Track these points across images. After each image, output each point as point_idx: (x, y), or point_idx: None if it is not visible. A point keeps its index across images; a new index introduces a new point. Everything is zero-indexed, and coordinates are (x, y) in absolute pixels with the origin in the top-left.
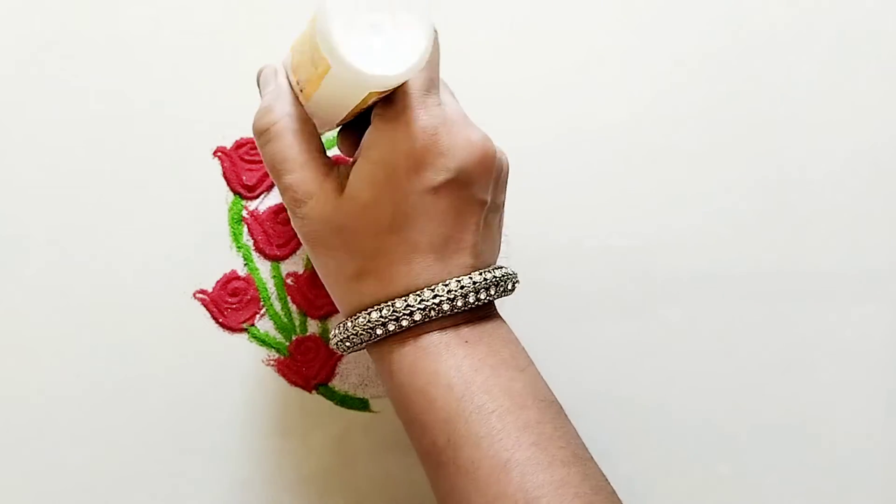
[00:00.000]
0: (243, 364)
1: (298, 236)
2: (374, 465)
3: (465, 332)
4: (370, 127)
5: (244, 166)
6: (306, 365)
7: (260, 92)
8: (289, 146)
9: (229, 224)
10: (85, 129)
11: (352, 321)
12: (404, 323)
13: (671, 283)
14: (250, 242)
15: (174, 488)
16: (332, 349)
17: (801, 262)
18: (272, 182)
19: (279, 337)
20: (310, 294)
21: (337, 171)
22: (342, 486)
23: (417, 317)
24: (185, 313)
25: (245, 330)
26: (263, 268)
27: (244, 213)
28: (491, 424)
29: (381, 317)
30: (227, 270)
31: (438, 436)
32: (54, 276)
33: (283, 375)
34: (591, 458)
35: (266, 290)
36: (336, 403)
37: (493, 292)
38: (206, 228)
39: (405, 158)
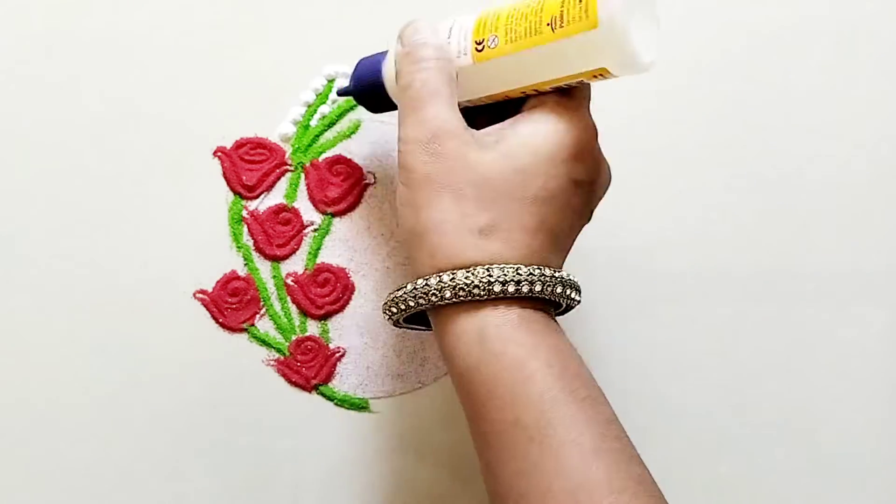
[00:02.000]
0: (243, 364)
1: (411, 176)
2: (373, 466)
3: (554, 323)
4: (543, 106)
5: (244, 166)
6: (306, 365)
7: (404, 38)
8: (444, 83)
9: (229, 224)
10: (85, 130)
11: (469, 272)
12: (524, 289)
13: (671, 283)
14: (250, 242)
15: (174, 488)
16: (394, 309)
17: (800, 263)
18: (272, 182)
19: (279, 337)
20: (310, 294)
21: (471, 129)
22: (342, 486)
23: (538, 288)
24: (185, 313)
25: (245, 330)
26: (263, 268)
27: (244, 213)
28: (585, 410)
29: (503, 275)
30: (227, 270)
31: (528, 412)
32: (54, 276)
33: (283, 375)
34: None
35: (266, 290)
36: (336, 404)
37: (577, 298)
38: (206, 228)
39: (571, 145)
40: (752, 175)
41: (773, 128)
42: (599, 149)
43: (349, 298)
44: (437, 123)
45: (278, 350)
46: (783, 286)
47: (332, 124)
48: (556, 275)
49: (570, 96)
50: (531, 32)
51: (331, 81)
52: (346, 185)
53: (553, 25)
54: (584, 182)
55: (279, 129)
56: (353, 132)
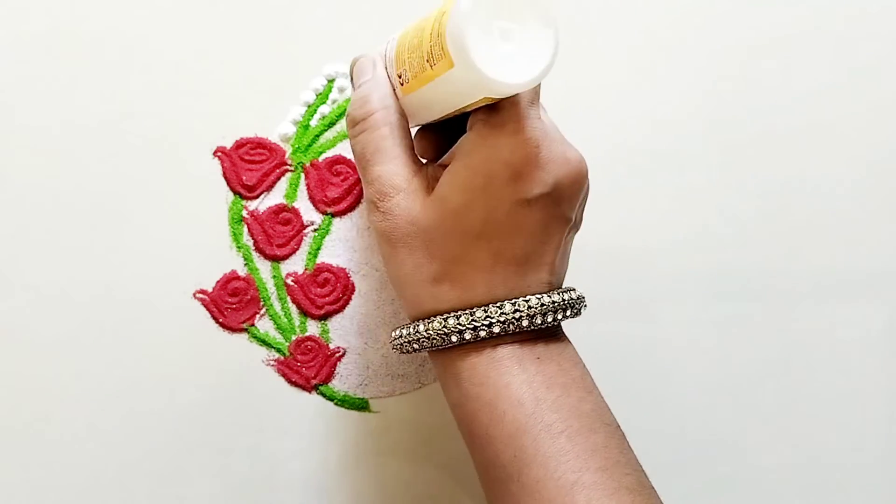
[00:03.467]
0: (243, 364)
1: (374, 231)
2: (373, 466)
3: (539, 348)
4: (470, 132)
5: (244, 166)
6: (306, 365)
7: (352, 81)
8: (383, 137)
9: (229, 224)
10: (85, 129)
11: (425, 324)
12: (482, 334)
13: (671, 283)
14: (250, 242)
15: (174, 488)
16: (394, 349)
17: (800, 263)
18: (272, 182)
19: (279, 337)
20: (310, 294)
21: (425, 171)
22: (342, 486)
23: (496, 329)
24: (185, 313)
25: (245, 330)
26: (263, 268)
27: (244, 213)
28: (559, 445)
29: (458, 324)
30: (227, 270)
31: (503, 451)
32: (54, 275)
33: (283, 375)
34: (653, 487)
35: (266, 290)
36: (336, 404)
37: (568, 314)
38: (206, 228)
39: (505, 167)
40: (752, 175)
41: (773, 128)
42: (554, 151)
43: (349, 298)
44: (380, 183)
45: (278, 350)
46: (783, 286)
47: (332, 124)
48: (521, 308)
49: (497, 111)
50: (420, 69)
51: (331, 81)
52: (346, 185)
53: (431, 63)
54: (538, 196)
55: (279, 129)
56: None
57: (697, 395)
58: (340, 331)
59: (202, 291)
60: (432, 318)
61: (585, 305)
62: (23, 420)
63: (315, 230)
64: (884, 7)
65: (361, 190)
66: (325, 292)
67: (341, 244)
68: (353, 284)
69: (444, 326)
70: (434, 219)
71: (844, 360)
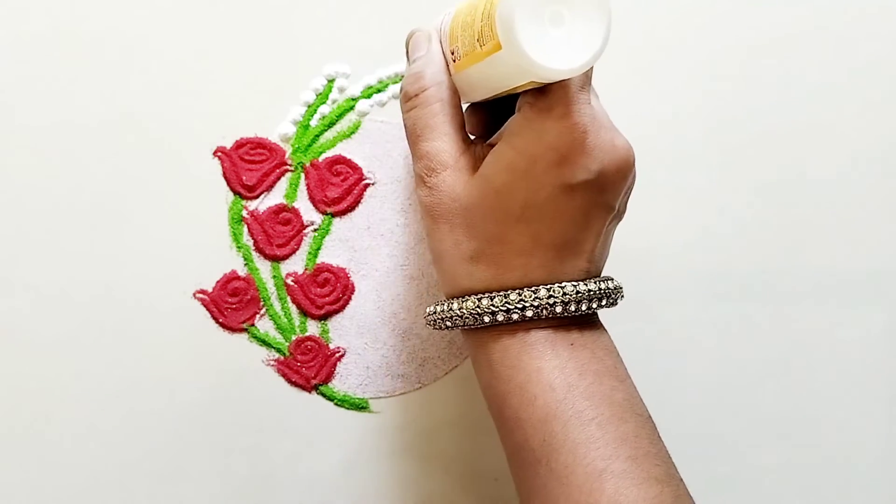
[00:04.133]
0: (243, 364)
1: (419, 206)
2: (373, 466)
3: (573, 334)
4: (517, 114)
5: (244, 166)
6: (306, 365)
7: (408, 55)
8: (434, 114)
9: (229, 224)
10: (85, 129)
11: (459, 303)
12: (514, 317)
13: (671, 283)
14: (250, 242)
15: (173, 488)
16: (427, 324)
17: (800, 263)
18: (272, 182)
19: (279, 337)
20: (310, 294)
21: (473, 149)
22: (342, 486)
23: (529, 313)
24: (185, 313)
25: (245, 330)
26: (263, 268)
27: (244, 213)
28: (590, 432)
29: (491, 305)
30: (227, 270)
31: (533, 435)
32: (54, 275)
33: (283, 375)
34: (682, 479)
35: (266, 290)
36: (336, 404)
37: (603, 303)
38: (206, 228)
39: (549, 151)
40: (752, 175)
41: (773, 128)
42: (602, 138)
43: (349, 298)
44: (428, 159)
45: (278, 350)
46: (783, 286)
47: (332, 124)
48: (556, 294)
49: (545, 94)
50: (471, 48)
51: (331, 81)
52: (346, 185)
53: (480, 43)
54: (582, 183)
55: (279, 129)
56: (353, 132)
57: (697, 395)
58: (340, 331)
59: (202, 291)
60: (466, 297)
61: (622, 296)
62: (23, 420)
63: (315, 230)
64: (883, 7)
65: (361, 190)
66: (325, 292)
67: (341, 244)
68: (353, 284)
69: (478, 306)
70: (476, 197)
71: (844, 360)
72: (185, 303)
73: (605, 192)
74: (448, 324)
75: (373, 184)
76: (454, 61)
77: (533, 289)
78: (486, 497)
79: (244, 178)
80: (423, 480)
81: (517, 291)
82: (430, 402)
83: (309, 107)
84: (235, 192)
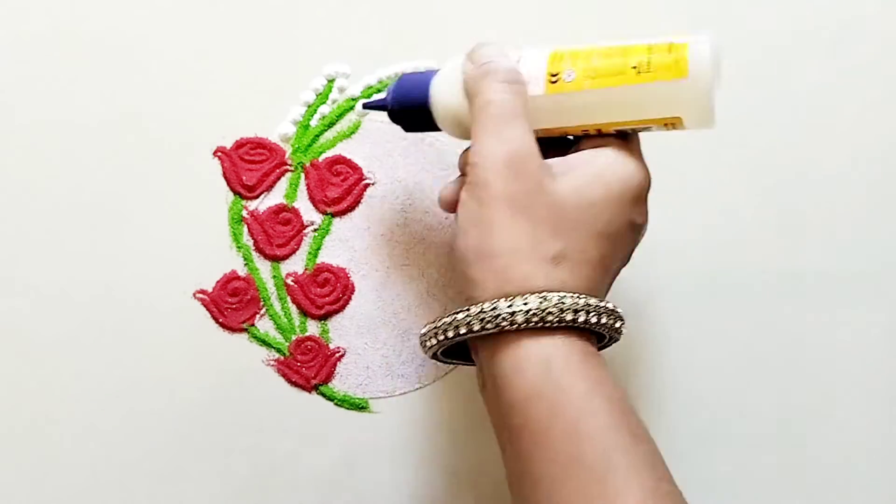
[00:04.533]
0: (243, 364)
1: (484, 192)
2: (373, 466)
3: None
4: (610, 147)
5: (244, 166)
6: (306, 365)
7: (474, 57)
8: (522, 106)
9: (229, 224)
10: (85, 129)
11: (542, 298)
12: (593, 319)
13: (672, 282)
14: (250, 242)
15: (173, 488)
16: (482, 325)
17: (800, 263)
18: (272, 182)
19: (279, 337)
20: (310, 294)
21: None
22: (341, 486)
23: (604, 320)
24: (185, 313)
25: (245, 330)
26: (263, 268)
27: (244, 213)
28: (642, 450)
29: (575, 304)
30: (227, 270)
31: (590, 448)
32: (54, 275)
33: (283, 375)
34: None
35: (266, 290)
36: (336, 404)
37: (623, 330)
38: (206, 228)
39: (635, 189)
40: (752, 175)
41: (774, 128)
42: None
43: (349, 298)
44: (519, 144)
45: (278, 350)
46: (783, 286)
47: (332, 124)
48: (613, 308)
49: (630, 140)
50: (614, 72)
51: (331, 81)
52: (346, 185)
53: (639, 69)
54: (638, 225)
55: (279, 129)
56: (353, 132)
57: (697, 395)
58: (340, 331)
59: (202, 291)
60: (548, 294)
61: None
62: (23, 420)
63: (315, 230)
64: (883, 7)
65: (361, 190)
66: (325, 292)
67: (341, 244)
68: (353, 284)
69: (562, 303)
70: (572, 201)
71: (844, 360)
72: (185, 303)
73: (638, 242)
74: (519, 319)
75: (373, 184)
76: (553, 83)
77: (597, 299)
78: (485, 497)
79: (244, 178)
80: (423, 480)
81: (595, 298)
82: (430, 402)
83: (309, 107)
84: (235, 192)
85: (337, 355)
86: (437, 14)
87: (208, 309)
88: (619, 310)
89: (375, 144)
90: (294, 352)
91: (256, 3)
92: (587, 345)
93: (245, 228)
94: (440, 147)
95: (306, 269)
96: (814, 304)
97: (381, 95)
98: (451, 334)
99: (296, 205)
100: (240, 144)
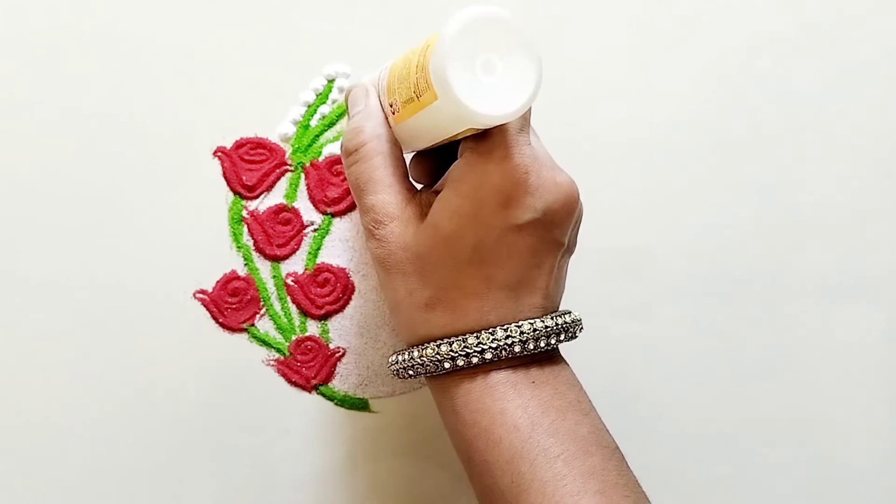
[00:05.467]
0: (243, 364)
1: (371, 258)
2: (373, 466)
3: (533, 372)
4: (460, 159)
5: (244, 166)
6: (306, 365)
7: (348, 111)
8: (376, 167)
9: (229, 224)
10: (85, 129)
11: (419, 350)
12: (474, 360)
13: (671, 283)
14: (250, 242)
15: (174, 488)
16: (393, 374)
17: (800, 263)
18: (272, 182)
19: (279, 337)
20: (310, 294)
21: (419, 198)
22: (342, 486)
23: (488, 355)
24: (185, 313)
25: (245, 330)
26: (263, 268)
27: (244, 213)
28: (556, 469)
29: (451, 350)
30: (227, 270)
31: (501, 477)
32: (54, 275)
33: (283, 375)
34: None
35: (266, 290)
36: (336, 404)
37: (562, 338)
38: (206, 228)
39: (494, 194)
40: (751, 175)
41: (773, 128)
42: (544, 177)
43: (349, 298)
44: (374, 212)
45: (278, 350)
46: (783, 286)
47: (332, 124)
48: (513, 334)
49: (485, 139)
50: (408, 100)
51: (331, 81)
52: (346, 186)
53: (417, 94)
54: (528, 222)
55: (279, 129)
56: None
57: (697, 395)
58: (340, 331)
59: (202, 291)
60: (425, 345)
61: (581, 328)
62: (23, 420)
63: (315, 230)
64: (883, 6)
65: None
66: (325, 292)
67: (341, 244)
68: (353, 284)
69: (437, 353)
70: (426, 245)
71: (844, 360)
72: (185, 303)
73: (553, 228)
74: (411, 372)
75: None
76: (393, 114)
77: (490, 331)
78: None
79: (244, 178)
80: (423, 480)
81: (475, 335)
82: (430, 402)
83: (309, 107)
84: (235, 192)
85: (337, 355)
86: (437, 14)
87: (208, 309)
88: (532, 328)
89: None
90: (294, 352)
91: (256, 4)
92: (493, 375)
93: (245, 228)
94: None
95: (306, 269)
96: (814, 303)
97: None
98: (399, 375)
99: (296, 205)
100: (240, 144)
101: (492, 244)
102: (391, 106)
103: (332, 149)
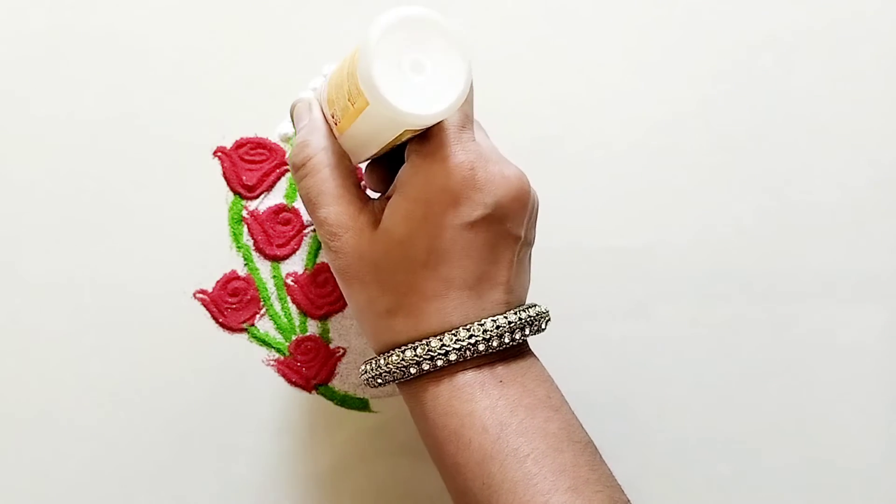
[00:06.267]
0: (243, 364)
1: (332, 270)
2: (373, 465)
3: (500, 370)
4: (406, 163)
5: (244, 166)
6: (306, 365)
7: (294, 126)
8: (324, 180)
9: (229, 224)
10: (85, 129)
11: (384, 358)
12: (439, 363)
13: (671, 283)
14: (250, 242)
15: (173, 488)
16: (364, 384)
17: (800, 263)
18: (272, 182)
19: (279, 337)
20: (310, 294)
21: (372, 205)
22: (342, 486)
23: (453, 357)
24: (185, 313)
25: (245, 330)
26: (263, 268)
27: (244, 213)
28: (526, 468)
29: (415, 356)
30: (227, 270)
31: (472, 479)
32: (54, 276)
33: (283, 375)
34: (628, 500)
35: (266, 290)
36: (336, 403)
37: (527, 332)
38: (206, 228)
39: (442, 194)
40: (751, 175)
41: (773, 128)
42: (491, 171)
43: None
44: (328, 225)
45: (278, 350)
46: (783, 286)
47: None
48: (476, 333)
49: (428, 140)
50: (345, 109)
51: None
52: None
53: (352, 101)
54: (480, 218)
55: (279, 129)
56: None
57: (697, 395)
58: (340, 331)
59: (202, 291)
60: (390, 352)
61: (548, 320)
62: (23, 420)
63: (315, 230)
64: (883, 7)
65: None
66: (325, 292)
67: None
68: None
69: (402, 359)
70: (381, 252)
71: (844, 360)
72: (185, 303)
73: (506, 222)
74: (380, 381)
75: None
76: (336, 124)
77: (453, 332)
78: None
79: (244, 178)
80: (422, 480)
81: (438, 337)
82: None
83: None
84: (235, 192)
85: (337, 355)
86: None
87: (208, 309)
88: (496, 325)
89: None
90: (294, 352)
91: (256, 4)
92: (460, 376)
93: (245, 228)
94: None
95: (306, 269)
96: (814, 303)
97: None
98: (370, 384)
99: (296, 205)
100: (240, 144)
101: (446, 244)
102: (332, 117)
103: None
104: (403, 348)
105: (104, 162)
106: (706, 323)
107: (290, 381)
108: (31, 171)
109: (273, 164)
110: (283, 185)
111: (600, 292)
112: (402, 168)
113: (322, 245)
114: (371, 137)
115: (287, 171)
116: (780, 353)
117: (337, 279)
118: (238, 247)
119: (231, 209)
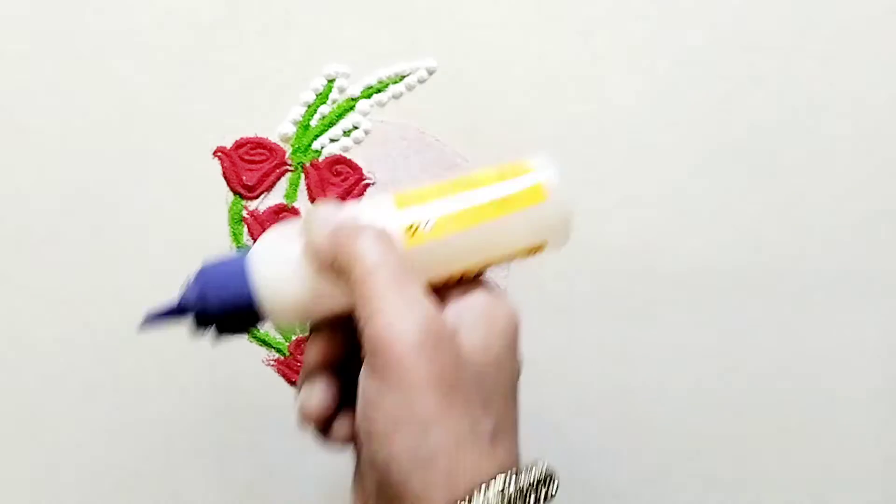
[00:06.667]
0: (243, 364)
1: (401, 379)
2: None
3: None
4: (481, 293)
5: (244, 166)
6: None
7: (313, 222)
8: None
9: (229, 224)
10: (85, 129)
11: (499, 491)
12: (531, 500)
13: (671, 283)
14: (250, 242)
15: (174, 488)
16: None
17: (801, 263)
18: (272, 182)
19: (279, 337)
20: None
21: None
22: (341, 485)
23: (553, 490)
24: None
25: None
26: None
27: (244, 213)
28: None
29: (526, 483)
30: None
31: None
32: (54, 275)
33: (283, 375)
34: None
35: None
36: None
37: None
38: (206, 228)
39: (516, 331)
40: (752, 175)
41: (773, 128)
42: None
43: None
44: (427, 310)
45: (278, 350)
46: (783, 286)
47: (332, 124)
48: (548, 470)
49: (486, 282)
50: (474, 210)
51: (331, 81)
52: (345, 186)
53: (498, 200)
54: (519, 370)
55: (279, 129)
56: (353, 132)
57: (697, 395)
58: None
59: None
60: (504, 474)
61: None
62: (23, 420)
63: None
64: (883, 6)
65: (361, 190)
66: None
67: None
68: None
69: (529, 481)
70: (482, 364)
71: (845, 360)
72: None
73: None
74: None
75: (373, 184)
76: (412, 235)
77: (531, 467)
78: None
79: (244, 178)
80: None
81: (528, 470)
82: None
83: (309, 107)
84: (235, 192)
85: None
86: (437, 14)
87: None
88: (550, 471)
89: (376, 145)
90: (294, 352)
91: (257, 4)
92: None
93: (245, 228)
94: (440, 147)
95: None
96: (815, 303)
97: (167, 303)
98: None
99: (296, 205)
100: (240, 144)
101: (516, 378)
102: (411, 227)
103: (331, 149)
104: (514, 469)
105: (104, 162)
106: (706, 323)
107: (290, 381)
108: (31, 173)
109: (273, 164)
110: (283, 184)
111: (600, 292)
112: (474, 297)
113: (398, 349)
114: (482, 246)
115: (287, 170)
116: (780, 353)
117: (424, 394)
118: (238, 247)
119: (231, 209)
